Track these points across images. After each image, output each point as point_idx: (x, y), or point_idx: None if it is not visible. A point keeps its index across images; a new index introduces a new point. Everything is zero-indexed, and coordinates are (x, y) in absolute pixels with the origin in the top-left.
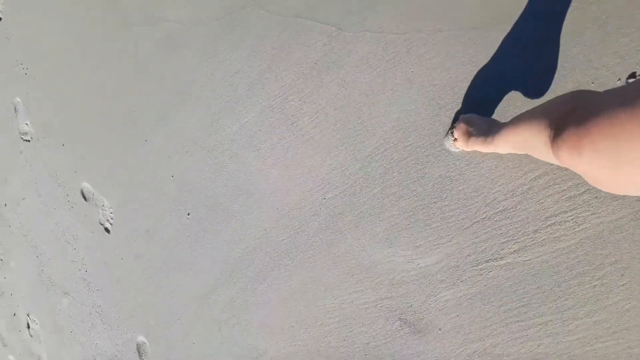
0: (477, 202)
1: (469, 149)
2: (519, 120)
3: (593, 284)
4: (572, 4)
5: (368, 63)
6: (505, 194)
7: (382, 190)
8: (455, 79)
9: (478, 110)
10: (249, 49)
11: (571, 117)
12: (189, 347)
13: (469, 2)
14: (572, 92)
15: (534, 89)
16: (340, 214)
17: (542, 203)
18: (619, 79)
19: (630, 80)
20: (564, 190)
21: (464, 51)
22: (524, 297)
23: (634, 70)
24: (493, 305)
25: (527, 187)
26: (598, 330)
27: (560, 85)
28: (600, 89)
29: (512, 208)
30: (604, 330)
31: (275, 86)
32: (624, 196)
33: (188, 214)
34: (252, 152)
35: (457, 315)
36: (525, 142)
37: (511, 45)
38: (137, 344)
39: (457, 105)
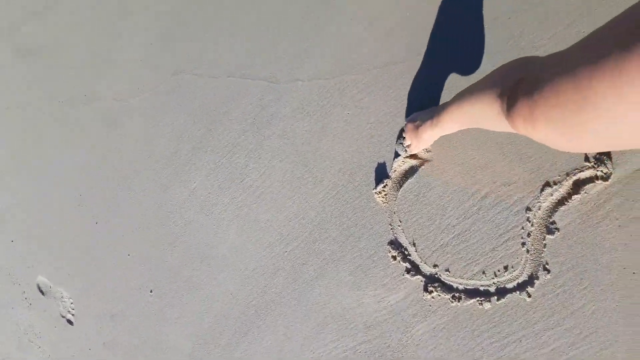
0: (432, 230)
1: (423, 146)
2: (462, 95)
3: (556, 292)
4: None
5: (305, 111)
6: (457, 218)
7: (340, 234)
8: (389, 113)
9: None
10: (187, 114)
11: (521, 87)
12: None
13: (387, 41)
14: (518, 60)
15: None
16: (304, 264)
17: (493, 221)
18: None
19: None
20: (511, 205)
21: (392, 85)
22: (493, 317)
23: None
24: (467, 330)
25: (476, 207)
26: (570, 337)
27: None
28: None
29: (466, 231)
30: (575, 336)
31: (219, 147)
32: (568, 206)
33: (151, 291)
34: (205, 216)
35: (435, 347)
36: (472, 117)
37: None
38: None
39: (395, 138)
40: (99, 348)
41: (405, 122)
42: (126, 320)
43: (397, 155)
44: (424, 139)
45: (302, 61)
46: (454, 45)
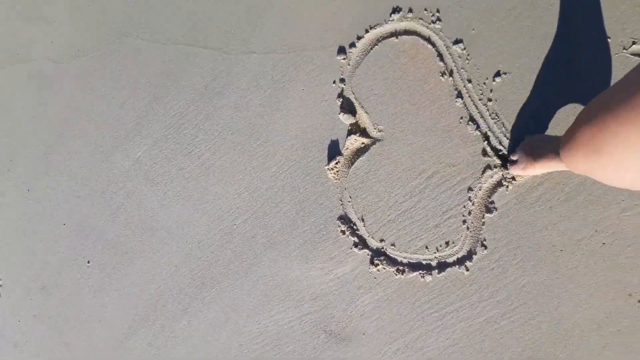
0: (380, 206)
1: (531, 173)
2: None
3: (491, 266)
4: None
5: (259, 84)
6: (404, 196)
7: (291, 208)
8: (344, 92)
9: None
10: (132, 81)
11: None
12: None
13: (344, 18)
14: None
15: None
16: (252, 237)
17: (437, 199)
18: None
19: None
20: (454, 185)
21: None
22: (434, 289)
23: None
24: (409, 301)
25: (422, 186)
26: (502, 308)
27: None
28: None
29: (412, 208)
30: (507, 307)
31: (166, 116)
32: (505, 187)
33: (88, 262)
34: (150, 187)
35: (378, 317)
36: None
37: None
38: None
39: (350, 119)
40: (29, 320)
41: (526, 139)
42: (60, 292)
43: (350, 133)
44: (536, 171)
45: (257, 33)
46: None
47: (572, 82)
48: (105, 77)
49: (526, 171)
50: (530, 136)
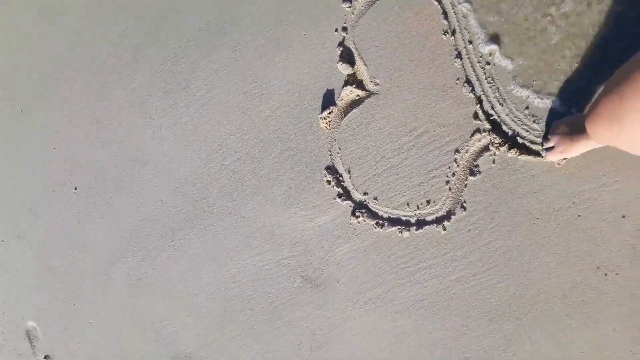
0: (368, 160)
1: (570, 155)
2: None
3: (468, 228)
4: None
5: (261, 26)
6: (393, 152)
7: (280, 154)
8: (345, 41)
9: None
10: (133, 11)
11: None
12: (86, 328)
13: None
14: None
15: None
16: (240, 179)
17: (424, 158)
18: None
19: None
20: (443, 145)
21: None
22: (410, 245)
23: None
24: (384, 255)
25: (411, 144)
26: (473, 269)
27: None
28: None
29: (399, 164)
30: (478, 268)
31: (165, 49)
32: (491, 152)
33: (75, 188)
34: (143, 119)
35: (353, 267)
36: None
37: None
38: (26, 330)
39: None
40: (13, 241)
41: (556, 123)
42: (45, 215)
43: (346, 84)
44: (574, 151)
45: None
46: None
47: (595, 56)
48: (108, 6)
49: (565, 153)
50: (558, 120)
